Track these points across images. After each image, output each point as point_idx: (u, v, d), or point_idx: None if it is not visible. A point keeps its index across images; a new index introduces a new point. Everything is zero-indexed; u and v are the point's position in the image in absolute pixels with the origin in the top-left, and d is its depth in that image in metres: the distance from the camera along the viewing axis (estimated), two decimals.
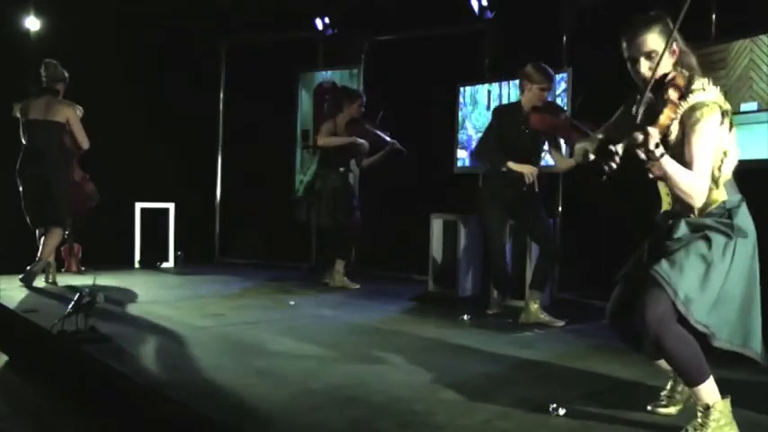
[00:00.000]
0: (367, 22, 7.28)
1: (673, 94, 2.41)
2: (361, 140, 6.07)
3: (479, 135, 5.61)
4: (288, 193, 7.80)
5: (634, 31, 2.52)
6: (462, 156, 6.82)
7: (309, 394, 2.94)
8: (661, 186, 2.59)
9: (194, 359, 3.52)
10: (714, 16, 5.17)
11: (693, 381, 2.38)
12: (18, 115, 5.86)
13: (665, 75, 2.49)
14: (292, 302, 5.37)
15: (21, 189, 5.76)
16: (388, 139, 6.15)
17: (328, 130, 6.11)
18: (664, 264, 2.34)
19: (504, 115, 4.91)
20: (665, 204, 2.60)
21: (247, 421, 2.61)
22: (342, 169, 6.17)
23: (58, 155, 5.77)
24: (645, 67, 2.50)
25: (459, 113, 6.81)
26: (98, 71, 7.05)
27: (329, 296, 5.69)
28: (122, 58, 7.26)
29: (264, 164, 7.92)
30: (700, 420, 2.38)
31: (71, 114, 5.84)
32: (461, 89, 6.80)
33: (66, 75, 5.97)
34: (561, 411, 2.68)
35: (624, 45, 2.54)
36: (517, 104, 4.94)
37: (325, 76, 7.72)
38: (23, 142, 5.82)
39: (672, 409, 2.74)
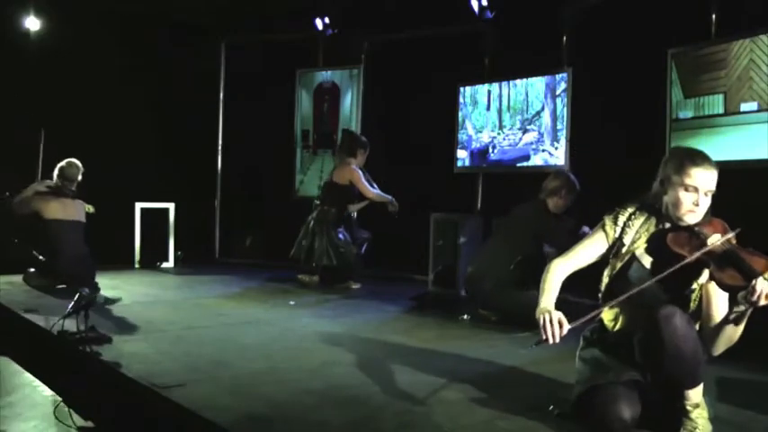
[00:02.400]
0: (367, 22, 7.28)
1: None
2: (392, 200, 6.15)
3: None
4: (288, 192, 7.80)
5: (710, 165, 2.44)
6: (462, 156, 6.82)
7: (309, 394, 2.94)
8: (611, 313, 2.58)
9: (194, 359, 3.52)
10: (714, 16, 5.17)
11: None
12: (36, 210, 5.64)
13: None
14: (292, 302, 5.37)
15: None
16: (389, 197, 6.17)
17: (365, 179, 6.18)
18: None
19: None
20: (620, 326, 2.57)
21: (247, 421, 2.60)
22: (335, 210, 6.16)
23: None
24: (704, 202, 2.45)
25: (459, 113, 6.81)
26: (98, 71, 7.06)
27: (329, 296, 5.69)
28: (122, 59, 7.26)
29: (264, 164, 7.92)
30: (694, 421, 2.36)
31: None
32: (461, 89, 6.80)
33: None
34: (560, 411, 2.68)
35: (694, 171, 2.42)
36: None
37: (325, 76, 7.72)
38: (49, 242, 5.59)
39: None
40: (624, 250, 2.54)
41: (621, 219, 2.58)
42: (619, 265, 2.54)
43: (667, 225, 2.52)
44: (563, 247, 4.52)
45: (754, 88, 4.76)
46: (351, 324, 4.57)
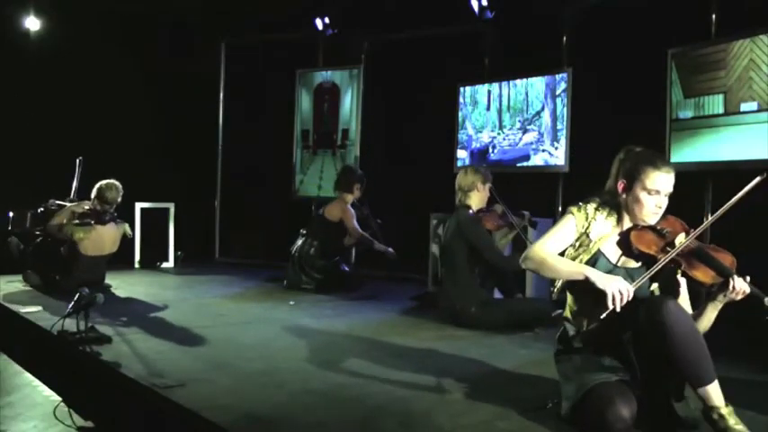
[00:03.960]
0: (367, 22, 7.27)
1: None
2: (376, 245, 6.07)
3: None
4: (288, 192, 7.80)
5: (670, 168, 2.57)
6: (462, 156, 6.82)
7: (309, 394, 2.94)
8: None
9: (194, 359, 3.52)
10: (714, 16, 5.17)
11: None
12: (74, 236, 5.40)
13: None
14: (292, 302, 5.37)
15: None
16: (388, 250, 6.07)
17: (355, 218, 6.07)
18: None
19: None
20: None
21: (247, 421, 2.60)
22: (317, 243, 6.04)
23: None
24: (665, 203, 2.58)
25: (459, 113, 6.82)
26: (98, 71, 7.06)
27: (329, 296, 5.69)
28: (122, 59, 7.26)
29: (264, 164, 7.92)
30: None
31: None
32: (461, 89, 6.80)
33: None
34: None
35: (656, 176, 2.54)
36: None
37: (325, 76, 7.72)
38: (71, 268, 5.42)
39: None
40: (590, 245, 2.61)
41: (588, 212, 2.64)
42: (585, 258, 2.60)
43: (629, 223, 2.63)
44: (490, 248, 4.51)
45: (754, 88, 4.76)
46: (351, 324, 4.57)
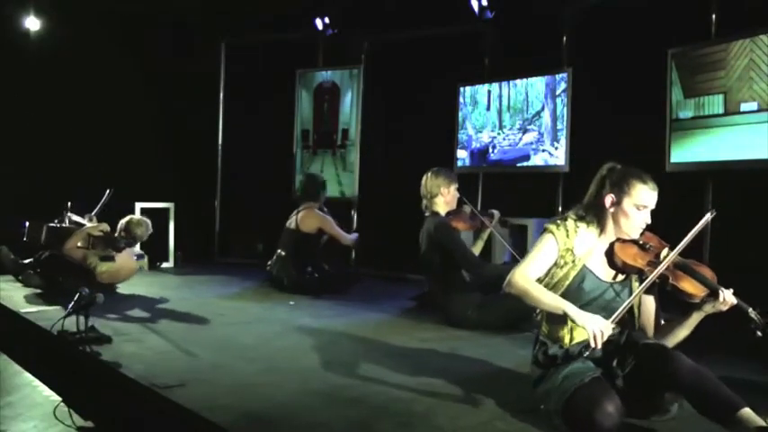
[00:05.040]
0: (367, 22, 7.28)
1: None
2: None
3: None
4: (288, 192, 7.80)
5: (655, 184, 2.63)
6: (462, 156, 6.83)
7: (309, 394, 2.94)
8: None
9: (194, 359, 3.52)
10: (714, 16, 5.17)
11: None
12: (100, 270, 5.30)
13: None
14: (292, 302, 5.37)
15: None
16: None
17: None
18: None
19: None
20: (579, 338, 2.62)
21: (247, 421, 2.61)
22: (293, 260, 5.86)
23: None
24: (649, 218, 2.64)
25: (459, 113, 6.82)
26: (98, 71, 7.06)
27: (328, 296, 5.68)
28: (122, 59, 7.26)
29: (264, 164, 7.91)
30: None
31: None
32: (461, 89, 6.80)
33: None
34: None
35: (645, 191, 2.60)
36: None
37: (325, 76, 7.72)
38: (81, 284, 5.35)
39: None
40: (576, 261, 2.63)
41: (568, 227, 2.66)
42: (573, 274, 2.63)
43: (612, 236, 2.67)
44: (464, 253, 4.46)
45: (754, 88, 4.76)
46: (350, 324, 4.57)
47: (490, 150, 6.61)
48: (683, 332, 2.63)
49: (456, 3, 6.54)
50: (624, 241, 2.64)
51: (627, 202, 2.60)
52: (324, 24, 7.54)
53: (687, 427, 2.53)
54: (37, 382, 3.60)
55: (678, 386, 2.38)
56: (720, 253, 4.98)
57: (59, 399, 3.28)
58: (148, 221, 5.66)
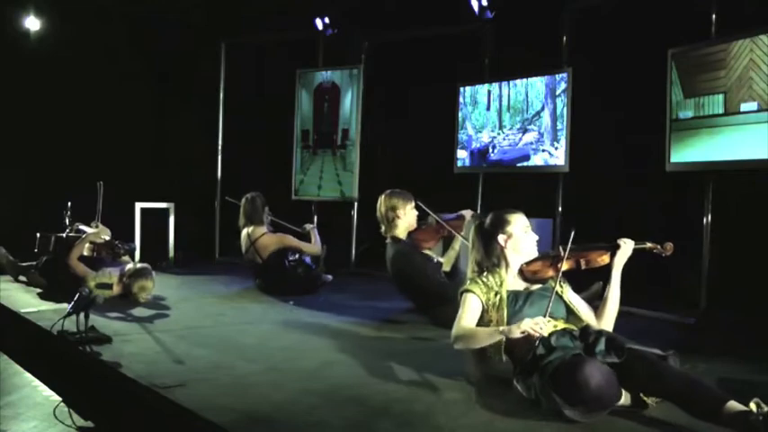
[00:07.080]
0: (367, 22, 7.28)
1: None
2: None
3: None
4: (288, 192, 7.80)
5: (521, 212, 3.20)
6: (462, 156, 6.83)
7: (309, 394, 2.94)
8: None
9: (194, 359, 3.52)
10: (714, 16, 5.17)
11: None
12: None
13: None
14: (292, 302, 5.37)
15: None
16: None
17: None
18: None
19: None
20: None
21: (247, 421, 2.60)
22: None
23: None
24: (534, 235, 3.18)
25: (459, 113, 6.82)
26: (98, 71, 7.07)
27: (328, 296, 5.68)
28: (122, 59, 7.27)
29: (264, 164, 7.91)
30: None
31: None
32: (461, 89, 6.80)
33: None
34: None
35: (521, 218, 3.14)
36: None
37: (325, 76, 7.72)
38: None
39: None
40: (501, 294, 2.99)
41: (481, 280, 3.05)
42: (505, 305, 2.97)
43: (515, 268, 3.10)
44: (426, 280, 4.42)
45: (754, 88, 4.76)
46: (351, 324, 4.57)
47: (490, 150, 6.60)
48: (613, 293, 3.03)
49: (456, 3, 6.53)
50: (528, 262, 3.11)
51: (516, 231, 3.08)
52: (324, 24, 7.53)
53: (677, 414, 2.53)
54: (37, 382, 3.60)
55: (666, 394, 2.53)
56: (720, 253, 4.99)
57: (59, 399, 3.28)
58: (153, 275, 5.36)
